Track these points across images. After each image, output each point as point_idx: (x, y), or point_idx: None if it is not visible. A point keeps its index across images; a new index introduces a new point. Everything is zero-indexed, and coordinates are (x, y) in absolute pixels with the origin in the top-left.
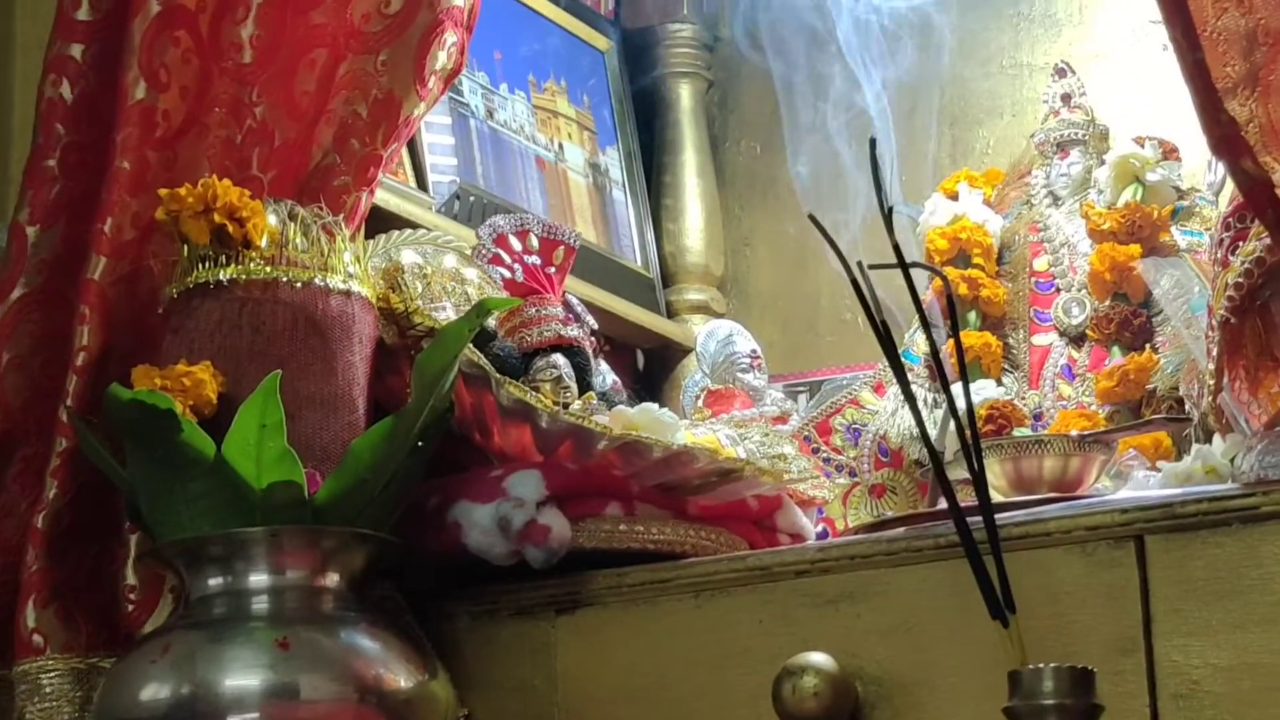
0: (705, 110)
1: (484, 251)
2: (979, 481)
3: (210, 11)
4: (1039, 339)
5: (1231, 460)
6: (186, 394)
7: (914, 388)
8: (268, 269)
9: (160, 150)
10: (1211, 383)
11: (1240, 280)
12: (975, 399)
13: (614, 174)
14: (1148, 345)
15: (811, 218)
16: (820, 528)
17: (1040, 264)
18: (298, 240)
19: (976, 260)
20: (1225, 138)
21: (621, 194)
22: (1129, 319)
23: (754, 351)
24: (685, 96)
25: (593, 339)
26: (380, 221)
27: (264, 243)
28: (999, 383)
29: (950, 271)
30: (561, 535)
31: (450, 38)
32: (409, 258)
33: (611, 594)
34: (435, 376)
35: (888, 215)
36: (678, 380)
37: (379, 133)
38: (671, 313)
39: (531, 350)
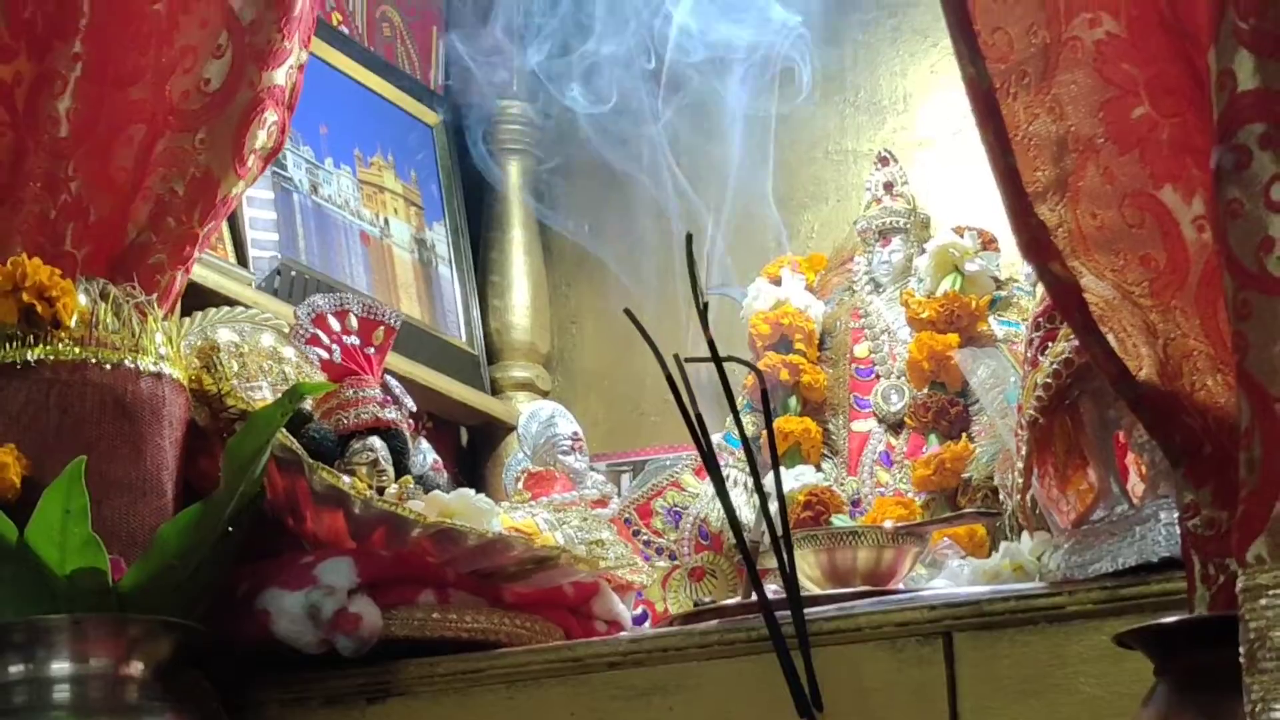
0: (534, 187)
1: (302, 331)
2: (789, 579)
3: (27, 85)
4: (859, 425)
5: (1039, 558)
6: None
7: (736, 471)
8: (77, 350)
9: None
10: (1020, 481)
11: (1049, 380)
12: (794, 484)
13: (440, 250)
14: (964, 434)
15: (627, 313)
16: (639, 610)
17: (861, 350)
18: (109, 320)
19: (798, 345)
20: (1034, 241)
21: (448, 270)
22: (946, 408)
23: (575, 434)
24: (514, 173)
25: (412, 421)
26: (199, 298)
27: (73, 323)
28: (818, 468)
29: (771, 357)
30: (372, 624)
31: (271, 116)
32: (225, 336)
33: (423, 684)
34: (246, 461)
35: (702, 311)
36: (501, 458)
37: (196, 211)
38: (496, 390)
39: (348, 433)
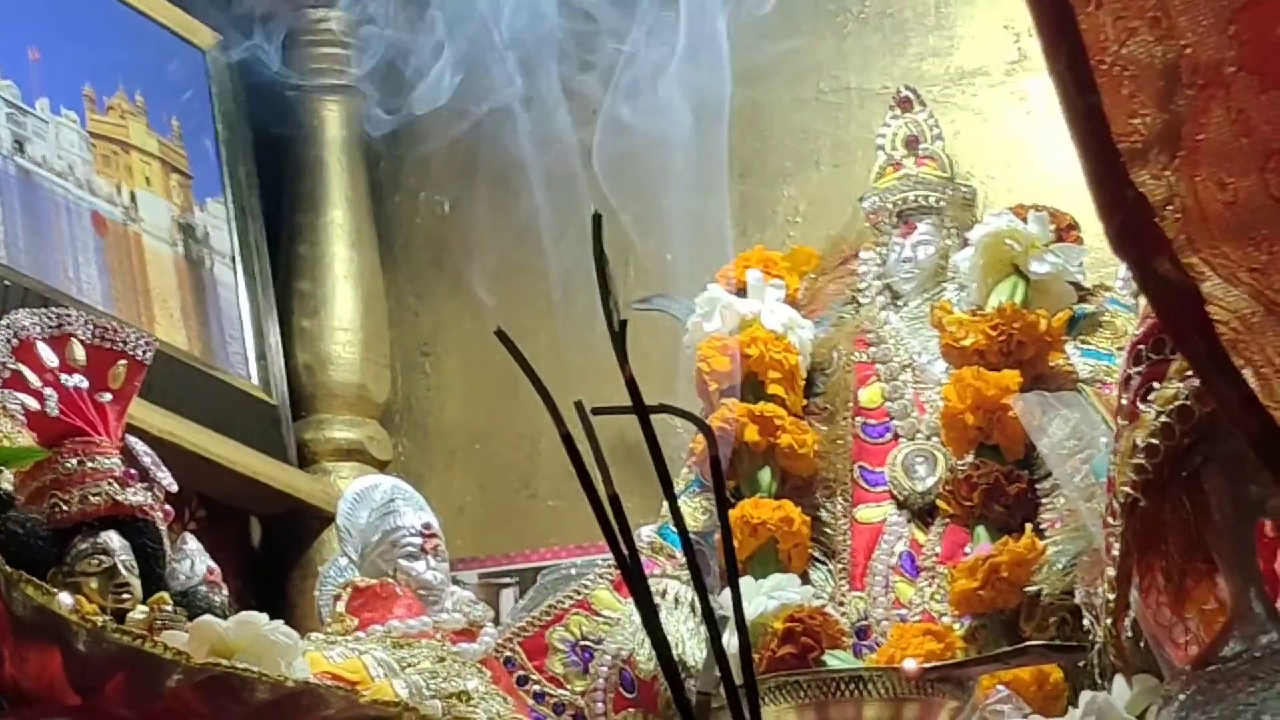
0: (363, 145)
1: None
2: None
3: None
4: (866, 512)
5: (1141, 717)
6: None
7: (676, 585)
8: None
9: None
10: (1112, 597)
11: (1155, 441)
12: (768, 604)
13: (218, 241)
14: (1029, 525)
15: (500, 334)
16: None
17: (870, 396)
18: None
19: (774, 389)
20: (1130, 226)
21: (230, 272)
22: (1001, 485)
23: (428, 526)
24: (334, 122)
25: (170, 508)
26: None
27: None
28: (805, 579)
29: (733, 406)
30: None
31: None
32: None
33: None
34: None
35: (619, 333)
36: (314, 564)
37: None
38: (306, 459)
39: (70, 525)
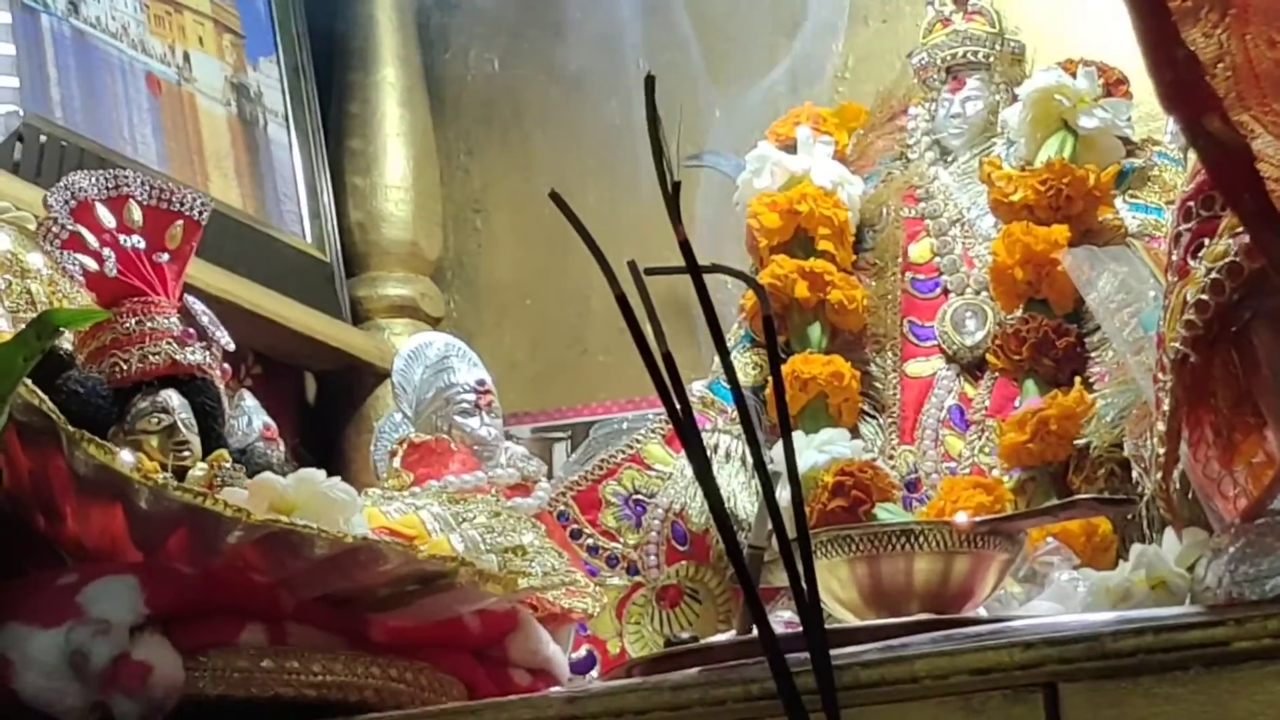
0: (415, 2)
1: (56, 229)
2: (808, 604)
3: None
4: (916, 367)
5: (1190, 569)
6: None
7: (728, 439)
8: None
9: None
10: (1162, 451)
11: (1205, 298)
12: (819, 458)
13: (271, 101)
14: (1078, 379)
15: (554, 196)
16: (582, 651)
17: (919, 252)
18: None
19: (823, 245)
20: (1181, 84)
21: (283, 132)
22: (1050, 339)
23: (481, 383)
24: None
25: (228, 366)
26: None
27: None
28: (855, 433)
29: (782, 262)
30: (169, 677)
31: None
32: None
33: None
34: None
35: (672, 193)
36: (368, 420)
37: None
38: (360, 316)
39: (130, 385)
